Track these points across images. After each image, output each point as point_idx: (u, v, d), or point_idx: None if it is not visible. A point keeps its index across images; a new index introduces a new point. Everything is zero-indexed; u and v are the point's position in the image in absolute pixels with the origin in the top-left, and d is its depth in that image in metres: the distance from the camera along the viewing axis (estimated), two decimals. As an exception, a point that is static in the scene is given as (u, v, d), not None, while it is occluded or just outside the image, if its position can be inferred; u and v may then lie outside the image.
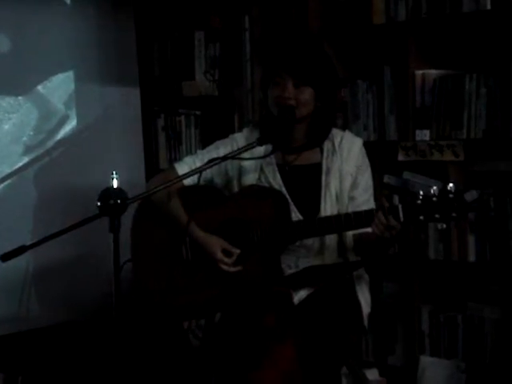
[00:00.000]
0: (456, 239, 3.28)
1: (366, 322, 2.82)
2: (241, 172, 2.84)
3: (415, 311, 3.40)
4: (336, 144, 2.81)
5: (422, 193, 2.54)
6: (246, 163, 2.81)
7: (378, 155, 3.46)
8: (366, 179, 2.83)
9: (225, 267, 2.73)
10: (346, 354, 2.81)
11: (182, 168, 2.85)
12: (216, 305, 2.78)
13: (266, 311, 2.66)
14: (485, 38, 3.31)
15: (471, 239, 3.25)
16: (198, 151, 2.96)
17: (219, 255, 2.73)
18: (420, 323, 3.39)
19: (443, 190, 2.53)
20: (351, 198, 2.79)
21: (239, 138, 2.88)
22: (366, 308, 2.82)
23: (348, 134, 2.86)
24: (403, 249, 3.39)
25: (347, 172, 2.78)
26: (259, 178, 2.83)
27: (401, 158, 3.37)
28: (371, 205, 2.81)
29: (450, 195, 2.51)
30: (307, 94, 2.74)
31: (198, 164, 2.79)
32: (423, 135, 3.33)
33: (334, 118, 2.87)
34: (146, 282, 2.84)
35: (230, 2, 3.89)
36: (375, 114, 3.48)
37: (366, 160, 2.85)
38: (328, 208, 2.76)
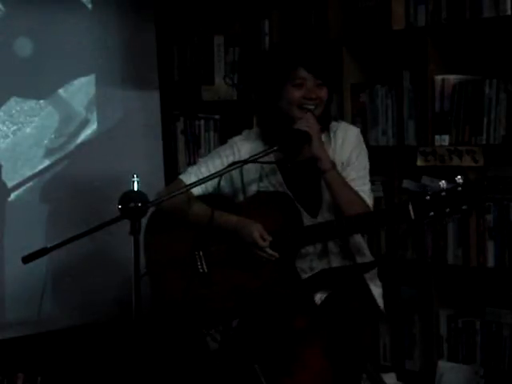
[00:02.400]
0: (475, 244, 3.27)
1: (381, 304, 2.82)
2: (243, 178, 2.83)
3: (433, 316, 3.39)
4: (331, 134, 2.82)
5: (429, 189, 2.54)
6: (247, 168, 2.79)
7: (397, 160, 3.46)
8: (359, 161, 2.80)
9: (260, 252, 2.69)
10: (365, 350, 2.81)
11: (188, 178, 2.83)
12: (233, 314, 2.79)
13: (295, 315, 2.66)
14: (505, 44, 3.30)
15: (490, 244, 3.24)
16: (200, 159, 2.95)
17: (256, 235, 2.68)
18: (438, 328, 3.39)
19: (451, 183, 2.52)
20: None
21: (240, 142, 2.86)
22: (376, 290, 2.82)
23: (343, 124, 2.87)
24: (421, 254, 3.39)
25: (339, 161, 2.78)
26: (260, 178, 2.82)
27: (420, 163, 3.36)
28: (363, 182, 2.79)
29: (459, 188, 2.51)
30: (325, 93, 2.76)
31: (205, 172, 2.78)
32: (442, 140, 3.33)
33: (329, 113, 2.88)
34: (162, 295, 2.85)
35: (250, 6, 3.90)
36: (394, 118, 3.48)
37: (362, 146, 2.84)
38: (329, 200, 2.76)
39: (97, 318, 3.95)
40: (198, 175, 2.80)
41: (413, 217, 2.56)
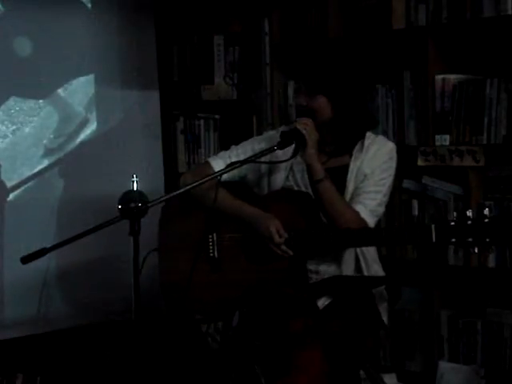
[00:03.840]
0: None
1: (386, 320, 2.82)
2: (271, 169, 2.85)
3: (434, 316, 3.39)
4: (365, 145, 2.80)
5: (455, 214, 2.52)
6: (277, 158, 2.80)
7: (398, 160, 3.44)
8: (381, 178, 2.79)
9: (274, 247, 2.68)
10: (366, 356, 2.81)
11: (217, 163, 2.86)
12: (236, 305, 2.78)
13: (293, 316, 2.65)
14: (505, 43, 3.29)
15: (491, 245, 3.23)
16: (233, 146, 2.94)
17: (273, 230, 2.68)
18: (439, 328, 3.38)
19: (479, 214, 2.50)
20: (356, 189, 2.77)
21: (274, 136, 2.86)
22: (382, 306, 2.82)
23: (380, 138, 2.85)
24: (423, 254, 3.38)
25: (363, 172, 2.78)
26: (287, 177, 2.83)
27: (420, 163, 3.36)
28: (374, 198, 2.76)
29: (486, 220, 2.48)
30: (320, 101, 2.75)
31: (234, 159, 2.79)
32: (443, 140, 3.32)
33: (363, 125, 2.83)
34: (168, 274, 2.84)
35: (250, 6, 3.89)
36: (395, 118, 3.47)
37: (391, 164, 2.82)
38: None
39: (97, 318, 3.94)
40: (227, 161, 2.80)
41: (434, 240, 2.54)
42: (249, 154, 2.79)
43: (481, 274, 3.32)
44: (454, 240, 2.51)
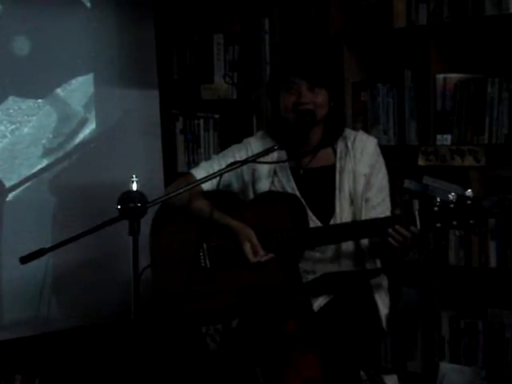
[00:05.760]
0: (477, 245, 3.25)
1: (384, 324, 2.80)
2: (254, 177, 2.84)
3: (435, 317, 3.37)
4: (349, 144, 2.80)
5: (438, 199, 2.52)
6: (260, 168, 2.81)
7: (399, 160, 3.44)
8: (380, 180, 2.81)
9: (250, 259, 2.69)
10: (364, 358, 2.80)
11: (199, 173, 2.85)
12: (234, 312, 2.78)
13: (286, 319, 2.64)
14: (507, 42, 3.28)
15: (492, 245, 3.22)
16: (214, 156, 2.97)
17: (247, 251, 2.69)
18: (440, 329, 3.37)
19: (461, 196, 2.50)
20: (366, 200, 2.78)
21: (253, 142, 2.88)
22: (383, 310, 2.80)
23: (361, 134, 2.86)
24: (423, 254, 3.37)
25: (360, 173, 2.78)
26: (273, 182, 2.83)
27: (421, 162, 3.35)
28: (387, 205, 2.80)
29: (468, 202, 2.49)
30: (323, 95, 2.75)
31: (216, 168, 2.79)
32: (444, 140, 3.31)
33: (345, 117, 2.86)
34: (163, 288, 2.83)
35: (250, 5, 3.88)
36: (395, 118, 3.46)
37: (381, 159, 2.83)
38: (343, 210, 2.76)
39: (96, 319, 3.93)
40: (209, 171, 2.80)
41: (419, 226, 2.54)
42: (231, 162, 2.75)
43: (482, 274, 3.30)
44: (439, 225, 2.51)
